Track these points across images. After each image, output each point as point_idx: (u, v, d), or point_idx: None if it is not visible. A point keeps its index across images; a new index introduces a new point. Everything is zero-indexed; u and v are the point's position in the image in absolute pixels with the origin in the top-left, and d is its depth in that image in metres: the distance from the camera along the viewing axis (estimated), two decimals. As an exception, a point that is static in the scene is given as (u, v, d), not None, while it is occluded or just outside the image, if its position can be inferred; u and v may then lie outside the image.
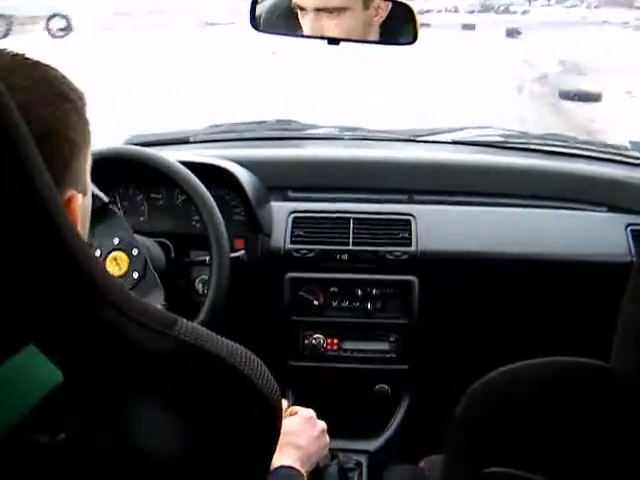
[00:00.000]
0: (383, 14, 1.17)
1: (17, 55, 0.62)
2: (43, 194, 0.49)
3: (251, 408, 0.58)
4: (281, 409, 0.61)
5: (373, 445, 1.52)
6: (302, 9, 1.20)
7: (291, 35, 1.21)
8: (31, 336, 0.50)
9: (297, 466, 1.00)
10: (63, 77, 0.65)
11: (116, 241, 1.25)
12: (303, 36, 1.20)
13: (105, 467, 0.51)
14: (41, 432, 0.50)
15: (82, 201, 0.66)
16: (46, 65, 0.64)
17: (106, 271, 0.55)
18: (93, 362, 0.52)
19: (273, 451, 0.61)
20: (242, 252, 1.41)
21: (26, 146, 0.48)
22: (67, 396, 0.50)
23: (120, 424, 0.52)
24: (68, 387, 0.50)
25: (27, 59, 0.63)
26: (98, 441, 0.51)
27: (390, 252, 1.50)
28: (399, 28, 1.18)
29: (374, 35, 1.19)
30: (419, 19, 1.17)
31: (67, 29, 11.87)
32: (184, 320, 0.57)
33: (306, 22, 1.19)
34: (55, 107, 0.61)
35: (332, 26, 1.17)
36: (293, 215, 1.55)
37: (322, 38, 1.19)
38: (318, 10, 1.17)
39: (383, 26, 1.20)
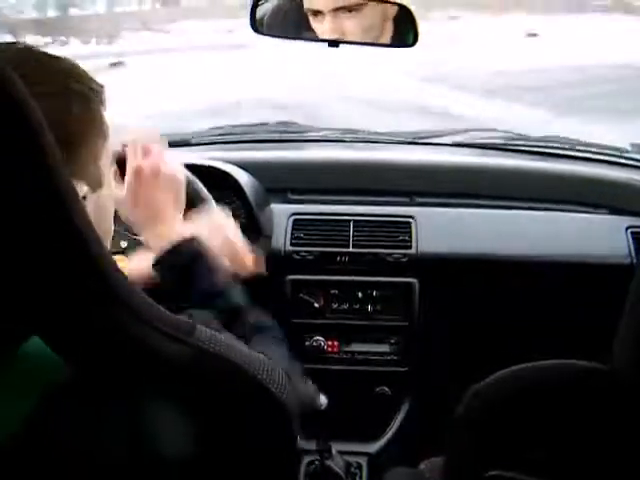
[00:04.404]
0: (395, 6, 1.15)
1: (24, 48, 0.62)
2: (63, 191, 0.49)
3: (267, 415, 0.58)
4: (297, 418, 0.62)
5: (373, 447, 1.52)
6: (317, 13, 1.16)
7: (294, 38, 1.20)
8: (39, 330, 0.50)
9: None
10: (72, 68, 0.63)
11: (124, 244, 1.25)
12: (306, 39, 1.20)
13: (116, 468, 0.51)
14: (53, 431, 0.50)
15: (92, 195, 0.64)
16: (54, 57, 0.62)
17: (125, 276, 0.55)
18: (107, 364, 0.52)
19: (289, 456, 0.61)
20: None
21: (46, 138, 0.49)
22: (79, 396, 0.50)
23: (134, 426, 0.52)
24: (80, 387, 0.50)
25: (33, 52, 0.62)
26: (110, 442, 0.51)
27: (390, 254, 1.50)
28: (399, 30, 1.18)
29: (389, 30, 1.16)
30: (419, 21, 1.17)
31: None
32: (203, 327, 0.58)
33: (323, 25, 1.16)
34: (55, 97, 0.60)
35: (352, 25, 1.14)
36: (293, 217, 1.55)
37: (323, 41, 1.18)
38: (336, 10, 1.14)
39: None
